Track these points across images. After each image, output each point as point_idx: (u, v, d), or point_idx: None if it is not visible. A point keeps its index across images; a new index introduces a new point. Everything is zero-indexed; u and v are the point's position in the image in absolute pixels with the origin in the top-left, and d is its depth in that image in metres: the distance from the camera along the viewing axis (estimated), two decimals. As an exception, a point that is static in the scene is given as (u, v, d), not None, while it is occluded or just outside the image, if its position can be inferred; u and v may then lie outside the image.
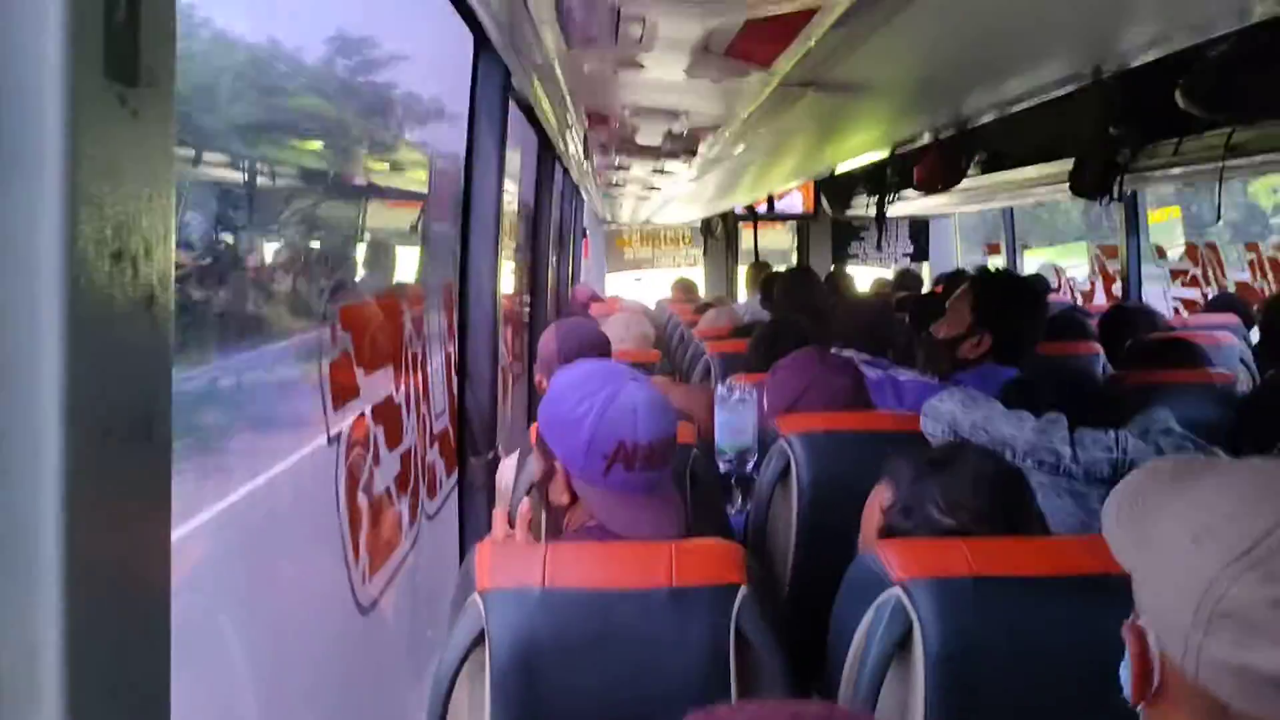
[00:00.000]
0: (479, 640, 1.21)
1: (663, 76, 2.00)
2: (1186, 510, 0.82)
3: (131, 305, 0.51)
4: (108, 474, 0.50)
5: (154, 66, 0.51)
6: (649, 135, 3.03)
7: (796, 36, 1.50)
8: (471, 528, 2.21)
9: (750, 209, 7.94)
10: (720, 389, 2.16)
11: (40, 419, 0.46)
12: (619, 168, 4.13)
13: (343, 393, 1.47)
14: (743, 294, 6.94)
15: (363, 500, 1.55)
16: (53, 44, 0.44)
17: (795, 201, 8.13)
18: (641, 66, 1.90)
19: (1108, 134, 3.47)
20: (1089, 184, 3.73)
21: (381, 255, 1.97)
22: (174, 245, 0.55)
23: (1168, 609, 0.80)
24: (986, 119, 2.49)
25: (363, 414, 1.58)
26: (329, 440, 1.42)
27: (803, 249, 8.48)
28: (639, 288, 8.81)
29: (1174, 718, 0.83)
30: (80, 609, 0.48)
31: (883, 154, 3.60)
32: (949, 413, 1.84)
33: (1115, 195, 3.72)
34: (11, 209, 0.45)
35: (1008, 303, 2.54)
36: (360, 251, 1.83)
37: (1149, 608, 0.83)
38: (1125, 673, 0.91)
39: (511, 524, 1.44)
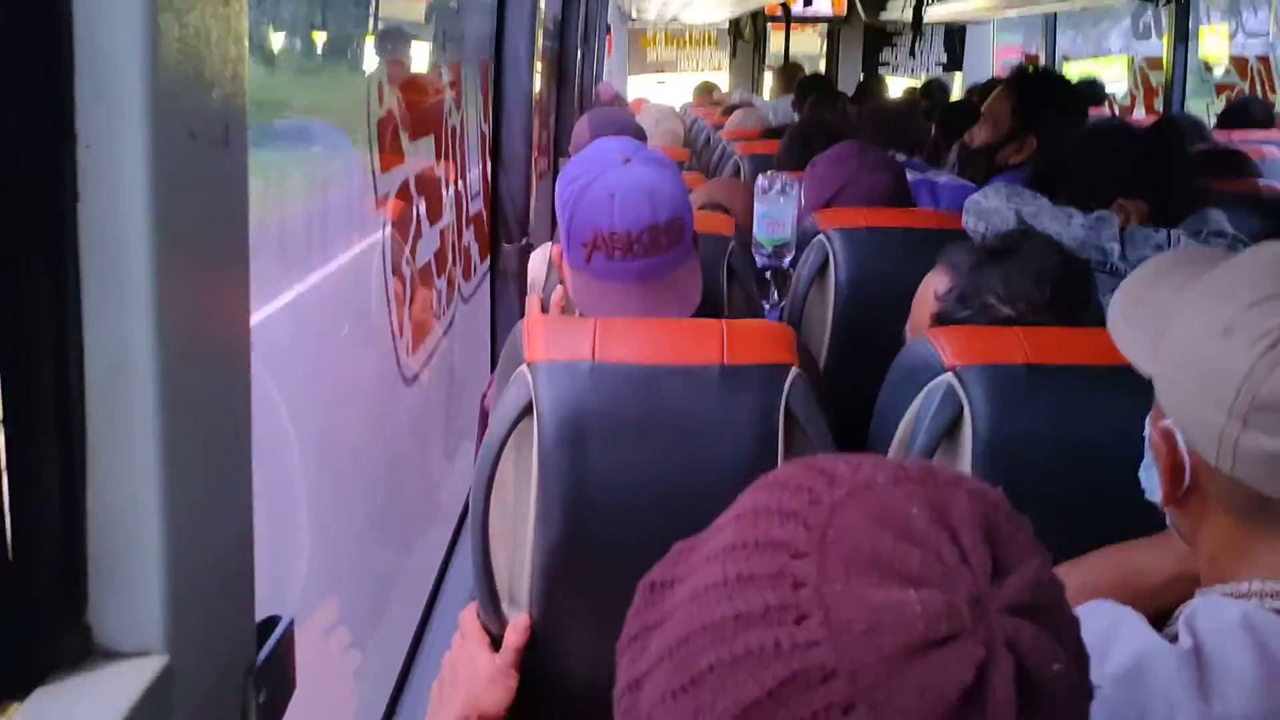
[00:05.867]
0: (526, 411, 1.20)
1: None
2: (1206, 304, 0.79)
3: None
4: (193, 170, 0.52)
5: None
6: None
7: None
8: (503, 313, 2.21)
9: (784, 6, 7.61)
10: (761, 180, 2.11)
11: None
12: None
13: (389, 157, 1.42)
14: (768, 97, 6.75)
15: (406, 274, 1.53)
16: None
17: (827, 3, 7.80)
18: None
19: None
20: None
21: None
22: None
23: (1198, 407, 0.77)
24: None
25: (407, 180, 1.54)
26: (376, 201, 1.38)
27: (832, 56, 8.19)
28: (662, 92, 8.55)
29: (1207, 514, 0.82)
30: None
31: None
32: (994, 209, 1.80)
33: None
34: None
35: (1051, 103, 2.43)
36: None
37: (1175, 408, 0.81)
38: (1147, 477, 0.90)
39: (545, 310, 1.43)
